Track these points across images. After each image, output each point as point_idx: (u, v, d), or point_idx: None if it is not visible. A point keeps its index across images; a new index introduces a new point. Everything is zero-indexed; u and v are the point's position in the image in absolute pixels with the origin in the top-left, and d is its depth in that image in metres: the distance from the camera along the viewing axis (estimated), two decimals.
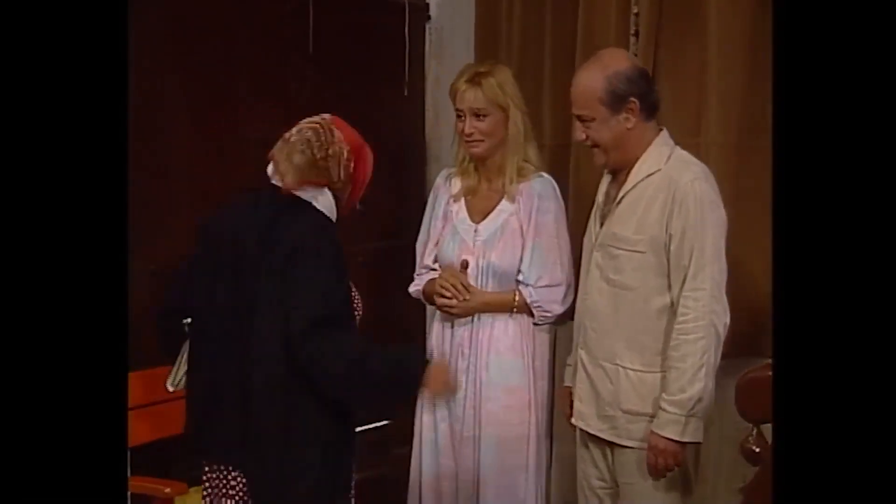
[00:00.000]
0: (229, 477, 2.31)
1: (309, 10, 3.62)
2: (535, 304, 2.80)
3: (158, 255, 2.97)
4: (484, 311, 2.84)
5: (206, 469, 2.36)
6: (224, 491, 2.31)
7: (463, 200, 2.93)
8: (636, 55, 3.13)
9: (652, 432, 2.37)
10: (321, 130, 2.34)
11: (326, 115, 2.43)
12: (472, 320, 2.84)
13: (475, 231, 2.87)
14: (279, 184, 2.30)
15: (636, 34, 3.23)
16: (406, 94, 4.02)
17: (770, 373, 1.60)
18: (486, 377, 2.81)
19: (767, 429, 1.59)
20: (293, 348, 2.17)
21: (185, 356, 2.40)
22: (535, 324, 2.84)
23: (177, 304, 2.42)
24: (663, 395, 2.35)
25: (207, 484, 2.36)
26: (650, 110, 2.47)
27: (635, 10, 3.24)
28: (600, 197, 2.60)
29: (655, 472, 2.40)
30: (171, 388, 2.48)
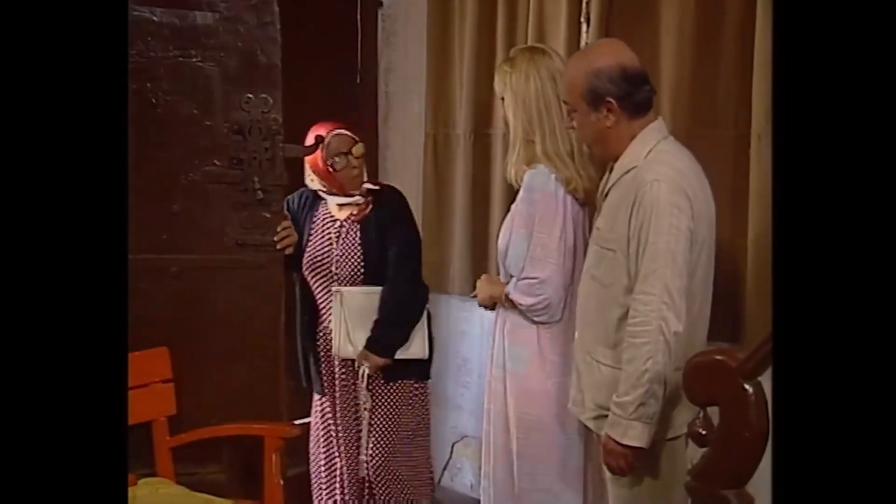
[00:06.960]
0: None
1: None
2: (509, 295, 2.77)
3: None
4: (493, 300, 2.89)
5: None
6: None
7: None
8: (587, 43, 3.15)
9: (605, 431, 2.39)
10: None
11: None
12: (503, 308, 2.86)
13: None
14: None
15: (587, 20, 3.25)
16: (359, 81, 4.02)
17: (717, 356, 1.62)
18: (499, 361, 2.85)
19: (714, 412, 1.60)
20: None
21: None
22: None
23: None
24: (613, 395, 2.34)
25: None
26: (634, 109, 2.39)
27: None
28: (599, 192, 2.58)
29: (609, 469, 2.41)
30: None
